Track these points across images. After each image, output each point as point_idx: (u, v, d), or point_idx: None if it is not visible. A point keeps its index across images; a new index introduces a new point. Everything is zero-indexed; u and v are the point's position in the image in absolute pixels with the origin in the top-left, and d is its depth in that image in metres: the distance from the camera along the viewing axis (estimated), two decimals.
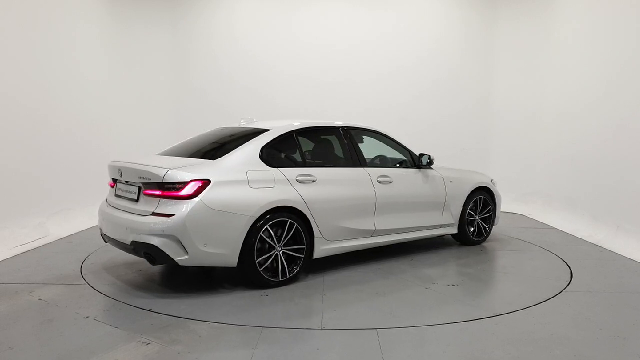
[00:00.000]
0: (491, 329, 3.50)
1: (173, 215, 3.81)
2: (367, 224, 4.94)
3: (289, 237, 4.32)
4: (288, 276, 4.33)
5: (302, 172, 4.53)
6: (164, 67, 9.09)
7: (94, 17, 7.81)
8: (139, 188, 4.14)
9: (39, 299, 3.95)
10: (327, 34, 9.17)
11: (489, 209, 6.12)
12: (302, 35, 9.16)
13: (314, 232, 4.49)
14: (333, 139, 5.18)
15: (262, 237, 4.15)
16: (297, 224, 4.36)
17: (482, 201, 6.04)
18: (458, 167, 6.39)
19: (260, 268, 4.16)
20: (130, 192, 4.26)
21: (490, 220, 6.16)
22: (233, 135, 4.78)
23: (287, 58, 9.16)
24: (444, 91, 9.32)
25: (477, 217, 6.03)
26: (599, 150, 6.68)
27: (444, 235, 6.10)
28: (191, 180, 3.88)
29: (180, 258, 3.87)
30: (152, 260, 3.97)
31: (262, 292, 4.19)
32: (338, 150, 5.13)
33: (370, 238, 5.03)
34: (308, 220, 4.44)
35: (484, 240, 6.16)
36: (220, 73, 9.16)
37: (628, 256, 5.53)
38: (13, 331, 3.35)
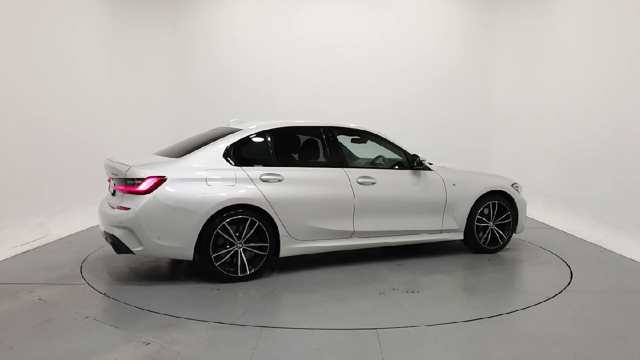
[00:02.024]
0: (491, 329, 3.50)
1: (129, 209, 4.17)
2: (345, 225, 4.85)
3: (249, 234, 4.41)
4: (248, 272, 4.43)
5: (268, 171, 4.58)
6: (164, 67, 9.09)
7: (94, 17, 7.81)
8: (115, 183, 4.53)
9: (39, 299, 3.96)
10: (327, 34, 9.16)
11: (508, 215, 5.62)
12: (302, 35, 9.16)
13: (279, 231, 4.54)
14: (313, 139, 5.12)
15: (220, 233, 4.30)
16: (261, 222, 4.43)
17: (496, 206, 5.56)
18: (472, 168, 6.01)
19: (217, 263, 4.32)
20: (111, 187, 4.63)
21: (509, 227, 5.65)
22: (216, 135, 4.86)
23: (287, 58, 9.16)
24: (444, 91, 9.32)
25: (490, 223, 5.58)
26: (599, 150, 6.68)
27: (449, 241, 5.74)
28: (148, 177, 4.18)
29: (136, 249, 4.20)
30: (116, 249, 4.31)
31: (215, 285, 4.31)
32: (316, 150, 5.07)
33: (350, 239, 4.92)
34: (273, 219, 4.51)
35: (501, 248, 5.65)
36: (220, 73, 9.16)
37: (628, 256, 5.53)
38: (13, 331, 3.35)
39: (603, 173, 6.54)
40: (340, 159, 5.00)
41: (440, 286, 4.51)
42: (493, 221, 5.59)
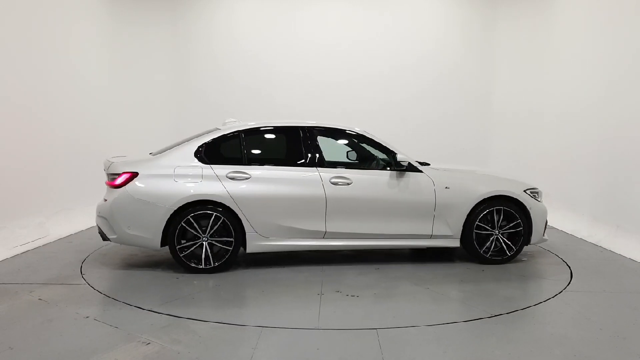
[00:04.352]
0: (491, 329, 3.50)
1: (106, 200, 4.69)
2: (316, 225, 4.82)
3: (215, 229, 4.64)
4: (212, 265, 4.67)
5: (236, 169, 4.75)
6: (164, 67, 9.09)
7: (94, 17, 7.81)
8: None
9: (39, 299, 3.96)
10: (327, 34, 9.16)
11: (518, 223, 5.07)
12: (302, 35, 9.16)
13: (245, 227, 4.72)
14: (288, 138, 5.09)
15: (185, 227, 4.59)
16: (226, 217, 4.65)
17: (502, 213, 5.04)
18: (483, 170, 5.69)
19: (182, 254, 4.63)
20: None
21: (520, 236, 5.11)
22: (200, 135, 5.06)
23: (287, 58, 9.15)
24: (444, 91, 9.31)
25: (495, 231, 5.07)
26: (599, 150, 6.68)
27: (443, 248, 5.32)
28: (122, 173, 4.64)
29: (111, 237, 4.69)
30: (101, 237, 4.82)
31: (177, 275, 4.63)
32: (291, 150, 5.03)
33: (322, 240, 4.87)
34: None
35: (508, 260, 5.13)
36: (221, 73, 9.16)
37: (628, 256, 5.53)
38: (13, 331, 3.35)
39: (603, 173, 6.53)
40: (317, 158, 4.96)
41: (394, 293, 4.28)
42: (499, 229, 5.09)
